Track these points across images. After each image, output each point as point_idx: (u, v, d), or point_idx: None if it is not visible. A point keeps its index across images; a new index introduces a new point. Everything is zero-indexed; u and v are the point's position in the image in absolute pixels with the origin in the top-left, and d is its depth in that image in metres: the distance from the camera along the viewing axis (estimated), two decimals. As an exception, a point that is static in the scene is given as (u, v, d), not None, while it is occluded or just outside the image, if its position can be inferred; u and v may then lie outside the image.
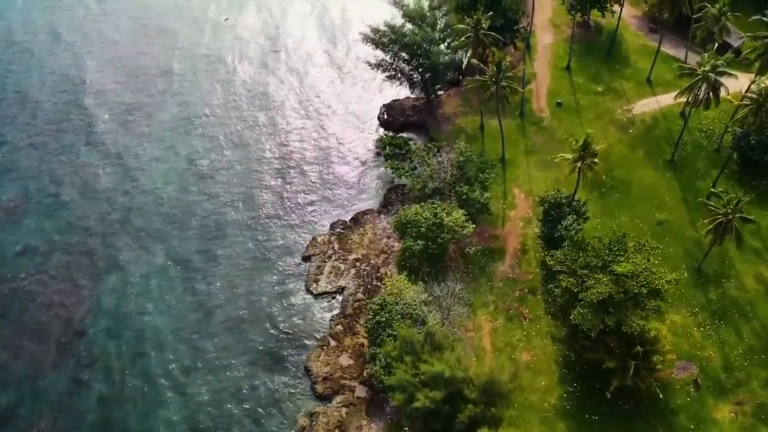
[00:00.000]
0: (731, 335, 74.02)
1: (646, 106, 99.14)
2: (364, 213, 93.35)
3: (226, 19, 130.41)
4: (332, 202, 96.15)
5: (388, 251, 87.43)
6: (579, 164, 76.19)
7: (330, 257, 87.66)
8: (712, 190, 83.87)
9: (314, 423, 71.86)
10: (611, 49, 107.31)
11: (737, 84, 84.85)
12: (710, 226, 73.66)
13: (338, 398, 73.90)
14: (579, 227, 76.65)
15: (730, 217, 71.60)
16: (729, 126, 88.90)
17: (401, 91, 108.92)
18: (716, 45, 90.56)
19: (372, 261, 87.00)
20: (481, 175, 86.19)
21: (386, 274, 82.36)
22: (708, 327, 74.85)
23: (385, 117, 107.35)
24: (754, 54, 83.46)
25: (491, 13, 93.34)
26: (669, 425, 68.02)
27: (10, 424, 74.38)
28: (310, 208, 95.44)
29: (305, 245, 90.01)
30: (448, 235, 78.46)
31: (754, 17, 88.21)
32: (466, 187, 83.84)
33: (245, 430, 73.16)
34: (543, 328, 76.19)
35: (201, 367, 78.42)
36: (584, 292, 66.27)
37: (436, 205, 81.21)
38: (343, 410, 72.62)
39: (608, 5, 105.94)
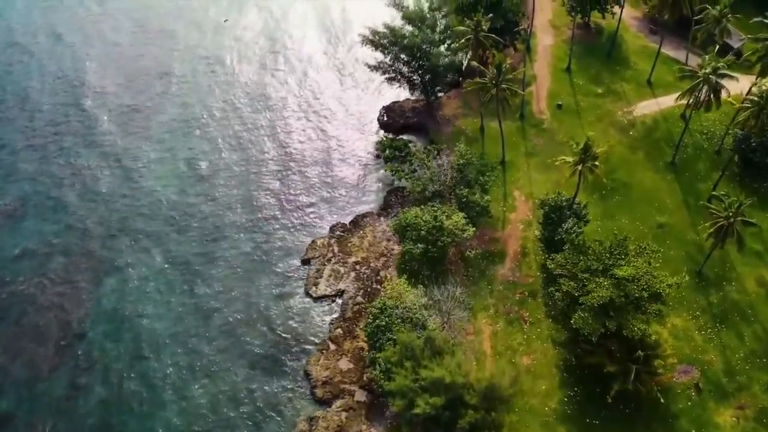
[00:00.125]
0: (732, 339, 73.70)
1: (647, 107, 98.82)
2: (364, 216, 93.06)
3: (225, 21, 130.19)
4: (332, 205, 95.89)
5: (388, 254, 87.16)
6: (580, 167, 75.86)
7: (329, 260, 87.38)
8: (714, 193, 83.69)
9: (314, 427, 71.58)
10: (611, 50, 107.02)
11: (738, 86, 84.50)
12: (711, 230, 73.35)
13: (338, 402, 73.56)
14: (580, 230, 76.31)
15: (732, 220, 71.28)
16: (730, 128, 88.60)
17: (401, 93, 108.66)
18: (717, 47, 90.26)
19: (372, 264, 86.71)
20: (481, 177, 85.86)
21: (386, 277, 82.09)
22: (709, 330, 74.55)
23: (385, 119, 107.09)
24: (755, 56, 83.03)
25: (491, 14, 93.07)
26: (670, 429, 67.71)
27: (8, 427, 74.15)
28: (309, 211, 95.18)
29: (305, 248, 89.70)
30: (448, 238, 78.14)
31: (755, 19, 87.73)
32: (467, 190, 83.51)
33: (244, 435, 72.98)
34: (543, 331, 75.90)
35: (200, 370, 78.16)
36: (585, 296, 65.96)
37: (436, 208, 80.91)
38: (343, 415, 72.30)
39: (608, 7, 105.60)
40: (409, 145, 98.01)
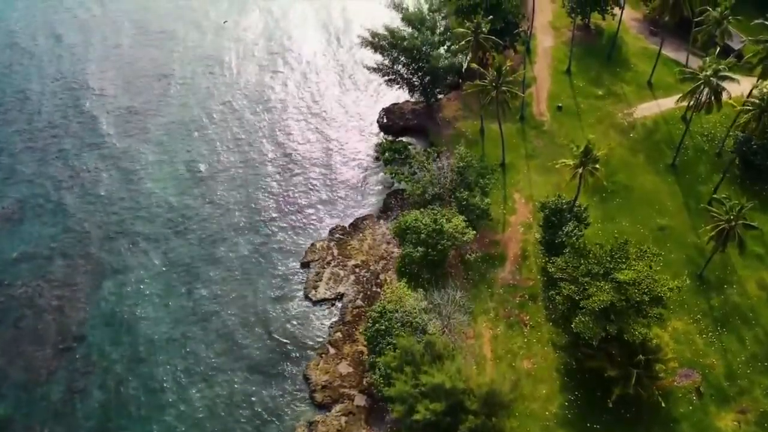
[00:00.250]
0: (734, 342, 73.42)
1: (647, 109, 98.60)
2: (364, 218, 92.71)
3: (225, 23, 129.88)
4: (331, 207, 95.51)
5: (388, 257, 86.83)
6: (580, 170, 75.56)
7: (329, 263, 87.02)
8: (715, 196, 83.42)
9: (313, 432, 71.31)
10: (612, 52, 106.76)
11: (739, 88, 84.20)
12: (713, 233, 73.06)
13: (337, 407, 73.14)
14: (580, 233, 76.04)
15: (733, 223, 71.00)
16: (731, 130, 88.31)
17: (401, 95, 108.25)
18: (717, 48, 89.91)
19: (371, 267, 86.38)
20: (481, 180, 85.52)
21: (386, 280, 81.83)
22: (710, 334, 74.26)
23: (385, 121, 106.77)
24: (756, 58, 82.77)
25: (491, 16, 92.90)
26: (671, 434, 67.52)
27: (6, 431, 73.77)
28: (308, 213, 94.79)
29: (304, 251, 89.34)
30: (449, 241, 77.75)
31: (756, 21, 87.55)
32: (467, 193, 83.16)
33: (243, 439, 72.68)
34: (544, 335, 75.59)
35: (198, 374, 77.79)
36: (586, 300, 65.67)
37: (436, 211, 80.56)
38: (343, 419, 71.91)
39: (609, 8, 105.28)
40: (409, 147, 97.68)
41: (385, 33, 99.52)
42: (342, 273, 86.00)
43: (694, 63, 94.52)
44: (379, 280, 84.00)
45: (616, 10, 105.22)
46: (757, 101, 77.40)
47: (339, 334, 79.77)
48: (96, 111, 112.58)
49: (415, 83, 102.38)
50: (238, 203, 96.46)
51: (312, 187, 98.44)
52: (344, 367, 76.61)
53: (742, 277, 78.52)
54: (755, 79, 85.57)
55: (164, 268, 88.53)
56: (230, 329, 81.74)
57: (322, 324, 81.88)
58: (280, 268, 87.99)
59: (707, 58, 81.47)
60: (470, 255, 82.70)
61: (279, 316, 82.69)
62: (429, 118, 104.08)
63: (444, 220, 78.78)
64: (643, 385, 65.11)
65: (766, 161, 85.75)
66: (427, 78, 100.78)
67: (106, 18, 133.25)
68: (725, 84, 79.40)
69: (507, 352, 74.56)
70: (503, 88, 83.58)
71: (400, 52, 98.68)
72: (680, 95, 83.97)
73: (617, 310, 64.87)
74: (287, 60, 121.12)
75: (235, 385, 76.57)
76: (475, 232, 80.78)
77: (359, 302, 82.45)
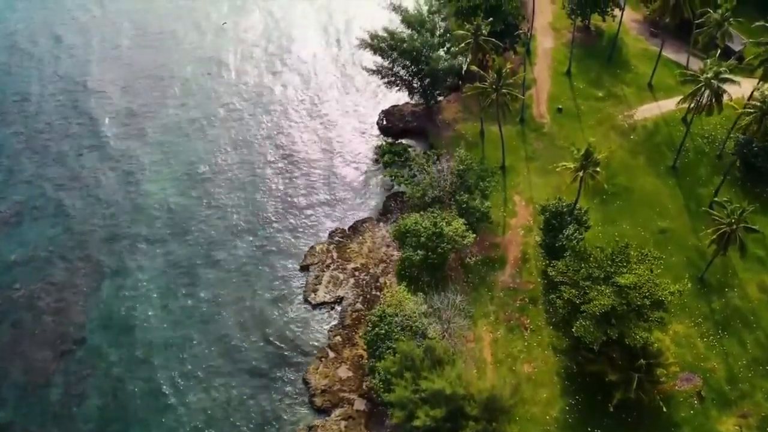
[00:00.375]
0: (735, 346, 73.16)
1: (648, 111, 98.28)
2: (363, 221, 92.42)
3: (224, 24, 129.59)
4: (331, 210, 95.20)
5: (388, 260, 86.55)
6: (581, 173, 75.27)
7: (328, 266, 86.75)
8: (716, 199, 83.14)
9: (313, 436, 71.13)
10: (612, 53, 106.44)
11: (740, 90, 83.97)
12: (714, 236, 72.80)
13: (337, 411, 72.90)
14: (581, 236, 75.76)
15: (734, 227, 70.75)
16: (732, 132, 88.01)
17: (401, 97, 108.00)
18: (718, 50, 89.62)
19: (371, 270, 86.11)
20: (481, 183, 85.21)
21: (385, 283, 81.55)
22: (711, 338, 73.99)
23: (385, 123, 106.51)
24: (757, 60, 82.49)
25: (491, 18, 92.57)
26: (672, 438, 67.30)
27: (6, 434, 73.93)
28: (308, 216, 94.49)
29: (303, 254, 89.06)
30: (448, 245, 77.48)
31: (757, 23, 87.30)
32: (467, 196, 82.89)
33: (243, 443, 72.44)
34: (544, 339, 75.32)
35: (197, 377, 77.54)
36: (586, 304, 65.41)
37: (435, 215, 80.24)
38: (342, 423, 71.66)
39: (609, 9, 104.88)
40: (409, 149, 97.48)
41: (385, 35, 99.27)
42: (341, 276, 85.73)
43: (695, 65, 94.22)
44: (378, 284, 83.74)
45: (617, 12, 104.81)
46: (758, 103, 77.00)
47: (338, 337, 79.51)
48: (95, 112, 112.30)
49: (415, 85, 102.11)
50: (238, 205, 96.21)
51: (311, 190, 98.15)
52: (344, 371, 76.36)
53: (744, 281, 78.24)
54: (756, 81, 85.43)
55: (163, 271, 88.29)
56: (229, 332, 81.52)
57: (321, 327, 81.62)
58: (279, 270, 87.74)
59: (708, 60, 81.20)
60: (470, 258, 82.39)
61: (278, 319, 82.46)
62: (429, 121, 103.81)
63: (444, 223, 78.49)
64: (644, 389, 64.90)
65: (766, 163, 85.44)
66: (427, 80, 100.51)
67: (105, 19, 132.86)
68: (726, 86, 79.19)
69: (507, 356, 74.31)
70: (503, 90, 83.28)
71: (399, 54, 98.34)
72: (681, 97, 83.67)
73: (618, 314, 64.59)
74: (287, 61, 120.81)
75: (234, 389, 76.36)
76: (475, 235, 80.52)
77: (359, 306, 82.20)
